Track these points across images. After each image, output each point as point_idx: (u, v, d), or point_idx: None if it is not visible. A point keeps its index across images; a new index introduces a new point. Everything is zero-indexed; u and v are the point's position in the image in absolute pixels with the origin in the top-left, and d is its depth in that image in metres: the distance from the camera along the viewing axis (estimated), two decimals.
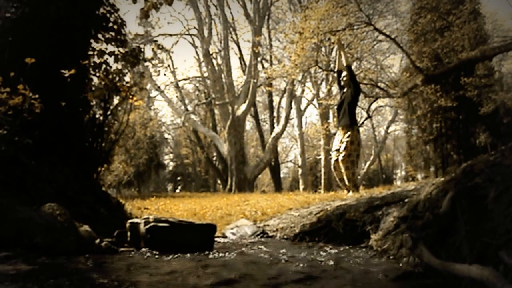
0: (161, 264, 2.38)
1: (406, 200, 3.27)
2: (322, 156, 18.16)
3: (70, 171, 3.90)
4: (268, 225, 4.33)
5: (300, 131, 20.04)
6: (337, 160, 5.99)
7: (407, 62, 14.05)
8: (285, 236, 3.86)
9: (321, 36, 11.06)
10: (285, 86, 20.45)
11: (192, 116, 21.43)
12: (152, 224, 2.88)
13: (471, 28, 12.23)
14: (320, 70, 13.50)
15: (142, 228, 2.91)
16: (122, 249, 2.86)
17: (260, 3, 18.51)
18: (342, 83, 6.28)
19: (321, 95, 18.45)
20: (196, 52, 20.81)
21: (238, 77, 21.43)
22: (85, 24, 4.46)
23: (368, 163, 23.97)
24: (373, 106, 17.81)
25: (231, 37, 20.03)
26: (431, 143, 17.02)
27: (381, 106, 21.04)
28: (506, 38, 12.85)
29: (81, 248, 2.58)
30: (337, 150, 6.01)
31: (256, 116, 22.96)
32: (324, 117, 17.90)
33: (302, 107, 21.27)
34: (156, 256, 2.63)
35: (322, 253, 2.84)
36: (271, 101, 23.25)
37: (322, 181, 17.95)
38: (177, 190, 29.01)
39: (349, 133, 5.90)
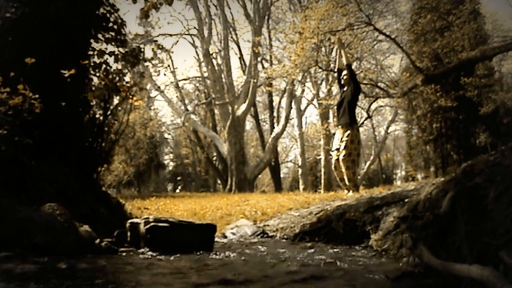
0: (161, 264, 2.38)
1: (406, 200, 3.27)
2: (322, 156, 18.16)
3: (70, 171, 3.90)
4: (268, 225, 4.33)
5: (300, 131, 20.04)
6: (337, 159, 5.98)
7: (407, 62, 14.04)
8: (285, 236, 3.86)
9: (321, 36, 11.05)
10: (285, 86, 20.46)
11: (192, 116, 21.42)
12: (152, 224, 2.88)
13: (471, 28, 12.23)
14: (320, 70, 13.49)
15: (142, 228, 2.91)
16: (122, 249, 2.86)
17: (260, 3, 18.50)
18: (342, 81, 6.28)
19: (321, 95, 18.45)
20: (196, 52, 20.83)
21: (238, 77, 21.45)
22: (85, 24, 4.46)
23: (368, 163, 23.97)
24: (373, 106, 17.79)
25: (231, 37, 20.05)
26: (431, 143, 17.02)
27: (381, 106, 21.04)
28: (506, 38, 12.84)
29: (81, 248, 2.58)
30: (337, 149, 6.01)
31: (256, 116, 22.96)
32: (324, 117, 17.90)
33: (302, 107, 21.28)
34: (156, 256, 2.63)
35: (322, 253, 2.84)
36: (271, 101, 23.25)
37: (322, 181, 17.95)
38: (177, 190, 29.02)
39: (348, 132, 5.90)
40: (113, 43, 4.70)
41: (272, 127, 21.53)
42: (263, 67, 18.85)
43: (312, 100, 21.39)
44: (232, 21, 20.19)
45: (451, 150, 16.49)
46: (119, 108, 5.24)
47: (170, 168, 31.36)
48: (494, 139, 14.89)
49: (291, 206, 5.01)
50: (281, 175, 25.64)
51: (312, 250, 2.97)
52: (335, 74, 7.21)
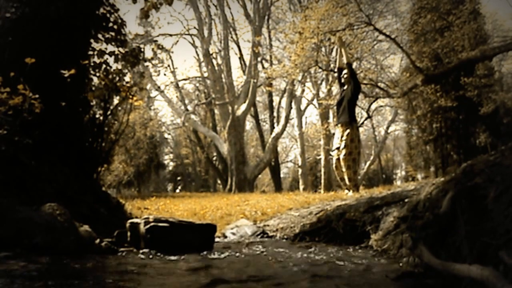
0: (161, 264, 2.38)
1: (406, 200, 3.27)
2: (322, 156, 18.16)
3: (70, 171, 3.90)
4: (268, 225, 4.33)
5: (300, 131, 20.04)
6: (338, 159, 5.98)
7: (407, 62, 14.04)
8: (285, 236, 3.86)
9: (321, 36, 11.05)
10: (285, 86, 20.46)
11: (192, 116, 21.41)
12: (152, 224, 2.88)
13: (471, 28, 12.23)
14: (320, 70, 13.49)
15: (142, 228, 2.91)
16: (122, 249, 2.86)
17: (260, 3, 18.50)
18: (342, 80, 6.29)
19: (321, 95, 18.46)
20: (196, 52, 20.84)
21: (238, 77, 21.46)
22: (85, 24, 4.46)
23: (368, 163, 23.97)
24: (373, 106, 17.79)
25: (231, 37, 20.05)
26: (431, 143, 17.02)
27: (381, 106, 21.04)
28: (506, 38, 12.84)
29: (81, 248, 2.58)
30: (338, 148, 6.01)
31: (256, 116, 22.96)
32: (324, 117, 17.90)
33: (302, 107, 21.28)
34: (156, 256, 2.63)
35: (322, 253, 2.84)
36: (271, 101, 23.25)
37: (322, 181, 17.95)
38: (177, 190, 29.01)
39: (348, 130, 5.89)
40: (113, 43, 4.70)
41: (272, 127, 21.53)
42: (263, 67, 18.85)
43: (312, 100, 21.41)
44: (232, 21, 20.21)
45: (451, 150, 16.49)
46: (119, 108, 5.24)
47: (170, 168, 31.36)
48: (494, 139, 14.89)
49: (291, 206, 5.01)
50: (281, 175, 25.66)
51: (312, 250, 2.97)
52: (336, 73, 7.22)
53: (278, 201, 5.92)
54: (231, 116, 17.25)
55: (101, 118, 4.59)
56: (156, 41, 14.26)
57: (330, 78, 16.15)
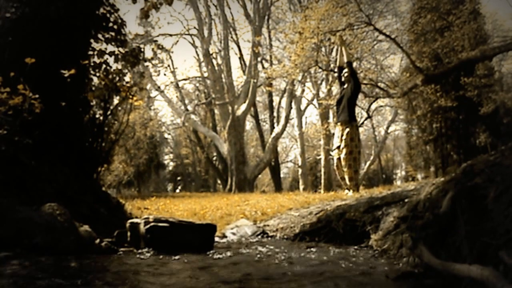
0: (161, 264, 2.38)
1: (406, 200, 3.27)
2: (322, 156, 18.16)
3: (70, 171, 3.90)
4: (268, 225, 4.33)
5: (300, 131, 20.04)
6: (339, 158, 5.97)
7: (407, 62, 14.04)
8: (285, 236, 3.86)
9: (321, 36, 11.05)
10: (285, 86, 20.46)
11: (192, 116, 21.42)
12: (152, 224, 2.88)
13: (471, 28, 12.23)
14: (320, 70, 13.49)
15: (142, 228, 2.91)
16: (122, 249, 2.86)
17: (260, 3, 18.50)
18: (343, 79, 6.29)
19: (321, 95, 18.45)
20: (196, 52, 20.83)
21: (238, 77, 21.46)
22: (85, 24, 4.46)
23: (368, 163, 23.97)
24: (373, 106, 17.79)
25: (231, 37, 20.05)
26: (431, 143, 17.02)
27: (381, 106, 21.05)
28: (506, 38, 12.84)
29: (81, 248, 2.58)
30: (338, 148, 6.01)
31: (256, 116, 22.96)
32: (324, 117, 17.90)
33: (302, 107, 21.28)
34: (156, 256, 2.63)
35: (322, 253, 2.84)
36: (271, 101, 23.25)
37: (322, 181, 17.95)
38: (177, 190, 29.01)
39: (348, 129, 5.89)
40: (113, 43, 4.70)
41: (272, 127, 21.53)
42: (263, 67, 18.85)
43: (312, 100, 21.40)
44: (232, 21, 20.20)
45: (451, 150, 16.49)
46: (119, 108, 5.24)
47: (170, 168, 31.36)
48: (494, 139, 14.90)
49: (291, 206, 5.00)
50: (281, 175, 25.65)
51: (312, 250, 2.97)
52: (336, 72, 7.23)
53: (278, 201, 5.92)
54: (231, 116, 17.25)
55: (101, 118, 4.59)
56: (156, 41, 14.25)
57: (330, 78, 16.14)
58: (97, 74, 4.55)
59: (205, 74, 20.12)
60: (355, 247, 3.07)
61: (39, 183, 3.35)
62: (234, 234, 4.06)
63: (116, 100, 4.78)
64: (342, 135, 5.95)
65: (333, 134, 7.09)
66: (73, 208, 3.08)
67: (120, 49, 4.68)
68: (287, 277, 2.05)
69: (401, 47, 11.69)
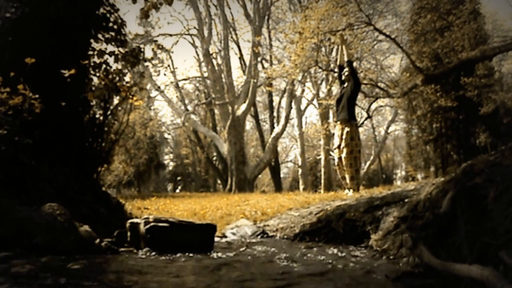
0: (161, 264, 2.38)
1: (406, 200, 3.27)
2: (322, 156, 18.16)
3: (70, 171, 3.90)
4: (268, 225, 4.33)
5: (300, 131, 20.04)
6: (340, 158, 5.98)
7: (407, 62, 14.04)
8: (285, 236, 3.86)
9: (321, 36, 11.05)
10: (285, 86, 20.46)
11: (192, 116, 21.43)
12: (152, 224, 2.88)
13: (471, 28, 12.23)
14: (320, 70, 13.49)
15: (142, 228, 2.90)
16: (122, 249, 2.86)
17: (260, 3, 18.50)
18: (343, 77, 6.30)
19: (321, 95, 18.46)
20: (196, 52, 20.85)
21: (238, 77, 21.47)
22: (85, 24, 4.46)
23: (368, 163, 23.97)
24: (373, 106, 17.81)
25: (231, 37, 20.05)
26: (431, 143, 17.02)
27: (381, 106, 21.07)
28: (506, 38, 12.84)
29: (81, 248, 2.58)
30: (338, 147, 6.01)
31: (256, 116, 22.96)
32: (324, 117, 17.91)
33: (302, 107, 21.28)
34: (156, 256, 2.63)
35: (322, 253, 2.84)
36: (271, 101, 23.25)
37: (322, 181, 17.95)
38: (177, 190, 29.01)
39: (348, 128, 5.89)
40: (113, 43, 4.69)
41: (272, 127, 21.53)
42: (263, 67, 18.85)
43: (312, 100, 21.41)
44: (232, 21, 20.21)
45: (451, 150, 16.49)
46: (119, 108, 5.24)
47: (170, 168, 31.35)
48: (494, 139, 14.90)
49: (291, 206, 5.01)
50: (281, 175, 25.65)
51: (312, 250, 2.97)
52: (336, 72, 7.24)
53: (278, 201, 5.92)
54: (231, 116, 17.25)
55: (101, 118, 4.59)
56: (156, 41, 14.25)
57: (330, 78, 16.15)
58: (97, 74, 4.55)
59: (205, 74, 20.13)
60: (355, 247, 3.07)
61: (39, 183, 3.35)
62: (234, 234, 4.06)
63: (116, 100, 4.78)
64: (342, 134, 5.95)
65: (333, 134, 7.10)
66: (73, 208, 3.07)
67: (120, 49, 4.68)
68: (287, 277, 2.05)
69: (401, 47, 11.69)
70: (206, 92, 23.13)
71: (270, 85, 18.82)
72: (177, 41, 20.60)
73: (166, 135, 29.29)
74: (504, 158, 2.21)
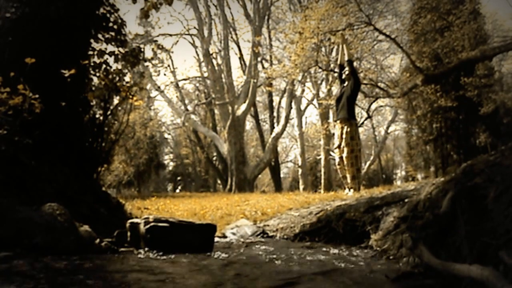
0: (161, 264, 2.38)
1: (406, 200, 3.27)
2: (322, 156, 18.16)
3: (70, 171, 3.90)
4: (268, 225, 4.33)
5: (300, 131, 20.05)
6: (341, 157, 5.98)
7: (407, 62, 14.05)
8: (285, 236, 3.86)
9: (321, 36, 11.06)
10: (285, 86, 20.47)
11: (192, 116, 21.43)
12: (152, 224, 2.88)
13: (471, 28, 12.23)
14: (320, 70, 13.50)
15: (142, 228, 2.90)
16: (122, 249, 2.86)
17: (260, 3, 18.50)
18: (343, 76, 6.30)
19: (321, 95, 18.46)
20: (196, 52, 20.87)
21: (238, 77, 21.47)
22: (85, 24, 4.46)
23: (368, 163, 23.97)
24: (373, 106, 17.82)
25: (231, 37, 20.06)
26: (431, 143, 17.02)
27: (381, 106, 21.07)
28: (506, 38, 12.84)
29: (81, 248, 2.58)
30: (339, 147, 6.01)
31: (256, 116, 22.96)
32: (324, 117, 17.91)
33: (302, 107, 21.29)
34: (156, 256, 2.63)
35: (322, 253, 2.84)
36: (271, 101, 23.26)
37: (322, 181, 17.96)
38: (177, 190, 29.01)
39: (347, 128, 5.89)
40: (113, 43, 4.69)
41: (272, 127, 21.54)
42: (263, 67, 18.86)
43: (312, 100, 21.41)
44: (232, 21, 20.22)
45: (451, 150, 16.50)
46: (119, 108, 5.24)
47: (170, 168, 31.35)
48: (494, 139, 14.90)
49: (291, 206, 5.01)
50: (281, 175, 25.66)
51: (312, 250, 2.97)
52: (336, 71, 7.25)
53: (278, 201, 5.92)
54: (231, 116, 17.25)
55: (101, 118, 4.59)
56: (156, 41, 14.28)
57: (330, 78, 16.15)
58: (97, 74, 4.55)
59: (205, 74, 20.13)
60: (355, 247, 3.07)
61: (39, 183, 3.35)
62: (234, 234, 4.06)
63: (116, 100, 4.78)
64: (341, 134, 5.96)
65: (333, 134, 7.10)
66: (73, 208, 3.07)
67: (120, 49, 4.68)
68: (287, 277, 2.05)
69: (401, 47, 11.69)
70: (206, 92, 23.14)
71: (270, 85, 18.82)
72: (177, 41, 20.63)
73: (166, 135, 29.31)
74: (504, 158, 2.21)
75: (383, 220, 3.22)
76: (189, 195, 11.88)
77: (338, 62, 6.77)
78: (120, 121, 5.05)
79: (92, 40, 4.62)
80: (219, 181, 25.80)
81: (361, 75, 11.62)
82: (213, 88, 18.97)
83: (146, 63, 8.63)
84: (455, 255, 1.92)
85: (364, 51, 12.28)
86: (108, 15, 4.70)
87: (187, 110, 21.29)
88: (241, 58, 20.91)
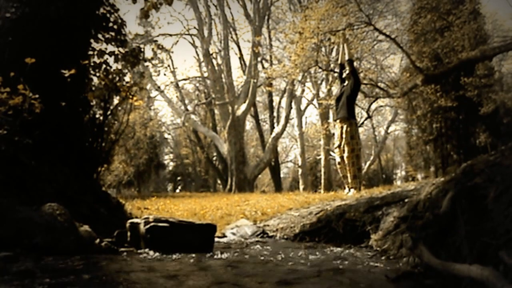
0: (161, 264, 2.38)
1: (406, 200, 3.27)
2: (322, 156, 18.16)
3: (70, 171, 3.90)
4: (268, 225, 4.33)
5: (300, 131, 20.05)
6: (342, 157, 5.98)
7: (407, 62, 14.05)
8: (285, 236, 3.86)
9: (321, 36, 11.06)
10: (285, 86, 20.47)
11: (192, 116, 21.43)
12: (152, 224, 2.88)
13: (471, 28, 12.23)
14: (320, 70, 13.50)
15: (142, 228, 2.90)
16: (122, 249, 2.86)
17: (260, 3, 18.50)
18: (344, 75, 6.30)
19: (321, 95, 18.46)
20: (196, 52, 20.88)
21: (238, 77, 21.47)
22: (85, 24, 4.46)
23: (368, 163, 23.97)
24: (373, 106, 17.82)
25: (231, 37, 20.06)
26: (431, 143, 17.03)
27: (381, 106, 21.08)
28: (506, 38, 12.84)
29: (81, 248, 2.58)
30: (339, 147, 6.01)
31: (256, 116, 22.96)
32: (324, 117, 17.91)
33: (302, 107, 21.30)
34: (156, 256, 2.63)
35: (322, 253, 2.84)
36: (271, 101, 23.26)
37: (322, 181, 17.96)
38: (177, 190, 29.01)
39: (347, 127, 5.89)
40: (113, 43, 4.70)
41: (272, 127, 21.54)
42: (263, 67, 18.86)
43: (312, 100, 21.42)
44: (232, 21, 20.21)
45: (451, 150, 16.50)
46: (119, 108, 5.24)
47: (170, 168, 31.35)
48: (494, 139, 14.90)
49: (291, 206, 5.01)
50: (281, 175, 25.66)
51: (312, 250, 2.97)
52: (337, 71, 7.25)
53: (278, 201, 5.92)
54: (231, 116, 17.25)
55: (101, 118, 4.59)
56: (156, 41, 14.28)
57: (330, 78, 16.15)
58: (97, 74, 4.55)
59: (205, 74, 20.13)
60: (355, 247, 3.07)
61: (39, 183, 3.35)
62: (234, 234, 4.06)
63: (116, 100, 4.78)
64: (341, 133, 5.96)
65: (333, 134, 7.10)
66: (73, 208, 3.08)
67: (120, 49, 4.68)
68: (287, 277, 2.05)
69: (401, 47, 11.69)
70: (206, 92, 23.14)
71: (270, 85, 18.82)
72: (177, 41, 20.63)
73: (166, 135, 29.31)
74: (504, 158, 2.21)
75: (383, 220, 3.22)
76: (189, 195, 11.88)
77: (339, 61, 6.78)
78: (120, 121, 5.05)
79: (92, 40, 4.62)
80: (219, 181, 25.80)
81: (361, 75, 11.62)
82: (213, 88, 18.97)
83: (146, 63, 8.64)
84: (455, 255, 1.92)
85: (364, 51, 12.28)
86: (108, 15, 4.70)
87: (187, 110, 21.29)
88: (241, 58, 20.94)
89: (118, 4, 5.62)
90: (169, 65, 20.05)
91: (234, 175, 17.02)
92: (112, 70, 4.58)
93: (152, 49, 6.30)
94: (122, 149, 17.10)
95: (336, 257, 2.63)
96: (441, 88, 13.72)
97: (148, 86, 19.49)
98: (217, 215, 5.35)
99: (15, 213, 2.54)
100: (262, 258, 2.65)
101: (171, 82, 20.84)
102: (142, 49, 4.85)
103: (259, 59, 18.97)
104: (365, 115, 15.84)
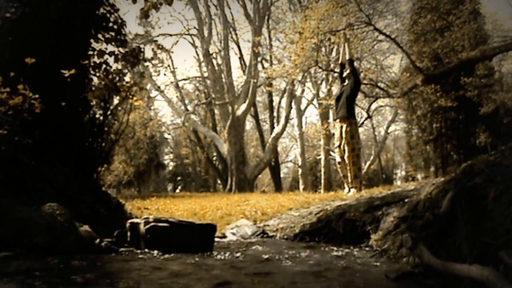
0: (161, 264, 2.38)
1: (406, 200, 3.27)
2: (322, 156, 18.16)
3: (70, 171, 3.90)
4: (268, 225, 4.33)
5: (300, 131, 20.05)
6: (342, 157, 5.98)
7: (407, 62, 14.05)
8: (285, 236, 3.86)
9: (321, 36, 11.06)
10: (285, 86, 20.47)
11: (192, 116, 21.43)
12: (152, 224, 2.88)
13: (471, 28, 12.23)
14: (320, 70, 13.50)
15: (142, 228, 2.91)
16: (122, 249, 2.86)
17: (260, 3, 18.50)
18: (344, 74, 6.31)
19: (321, 95, 18.46)
20: (196, 52, 20.87)
21: (238, 77, 21.47)
22: (85, 24, 4.46)
23: (368, 163, 23.97)
24: (373, 106, 17.82)
25: (231, 37, 20.06)
26: (431, 143, 17.02)
27: (381, 106, 21.08)
28: (506, 38, 12.84)
29: (81, 248, 2.58)
30: (339, 146, 6.01)
31: (256, 116, 22.96)
32: (324, 117, 17.91)
33: (302, 107, 21.30)
34: (156, 256, 2.63)
35: (322, 253, 2.84)
36: (271, 101, 23.26)
37: (322, 181, 17.96)
38: (177, 190, 29.01)
39: (347, 127, 5.89)
40: (113, 43, 4.70)
41: (272, 127, 21.54)
42: (263, 67, 18.86)
43: (312, 100, 21.42)
44: (232, 21, 20.21)
45: (451, 150, 16.49)
46: (119, 108, 5.24)
47: (170, 168, 31.35)
48: (494, 139, 14.90)
49: (291, 206, 5.01)
50: (281, 175, 25.65)
51: (312, 250, 2.97)
52: (337, 70, 7.25)
53: (278, 201, 5.92)
54: (231, 116, 17.25)
55: (101, 118, 4.59)
56: (156, 41, 14.27)
57: (330, 78, 16.16)
58: (97, 74, 4.55)
59: (205, 74, 20.13)
60: (355, 247, 3.07)
61: (39, 183, 3.35)
62: (234, 234, 4.06)
63: (116, 100, 4.78)
64: (341, 132, 5.96)
65: (333, 134, 7.10)
66: (73, 208, 3.08)
67: (120, 49, 4.68)
68: (288, 277, 2.05)
69: (401, 47, 11.69)
70: (206, 92, 23.14)
71: (270, 85, 18.82)
72: (177, 41, 20.63)
73: (166, 135, 29.31)
74: (504, 158, 2.21)
75: (383, 220, 3.22)
76: (189, 195, 11.88)
77: (340, 61, 6.78)
78: (120, 121, 5.05)
79: (92, 40, 4.62)
80: (219, 181, 25.80)
81: (361, 75, 11.62)
82: (213, 88, 18.97)
83: (146, 63, 8.64)
84: (455, 255, 1.92)
85: (364, 51, 12.28)
86: (108, 15, 4.70)
87: (187, 110, 21.28)
88: (241, 58, 20.93)
89: (118, 4, 5.63)
90: (169, 65, 20.06)
91: (234, 175, 17.02)
92: (112, 70, 4.58)
93: (152, 49, 6.30)
94: (122, 149, 17.11)
95: (336, 257, 2.63)
96: (441, 88, 13.72)
97: (148, 86, 19.49)
98: (217, 215, 5.35)
99: (15, 213, 2.54)
100: (262, 258, 2.65)
101: (171, 82, 20.84)
102: (142, 49, 4.85)
103: (259, 59, 18.98)
104: (365, 115, 15.86)
